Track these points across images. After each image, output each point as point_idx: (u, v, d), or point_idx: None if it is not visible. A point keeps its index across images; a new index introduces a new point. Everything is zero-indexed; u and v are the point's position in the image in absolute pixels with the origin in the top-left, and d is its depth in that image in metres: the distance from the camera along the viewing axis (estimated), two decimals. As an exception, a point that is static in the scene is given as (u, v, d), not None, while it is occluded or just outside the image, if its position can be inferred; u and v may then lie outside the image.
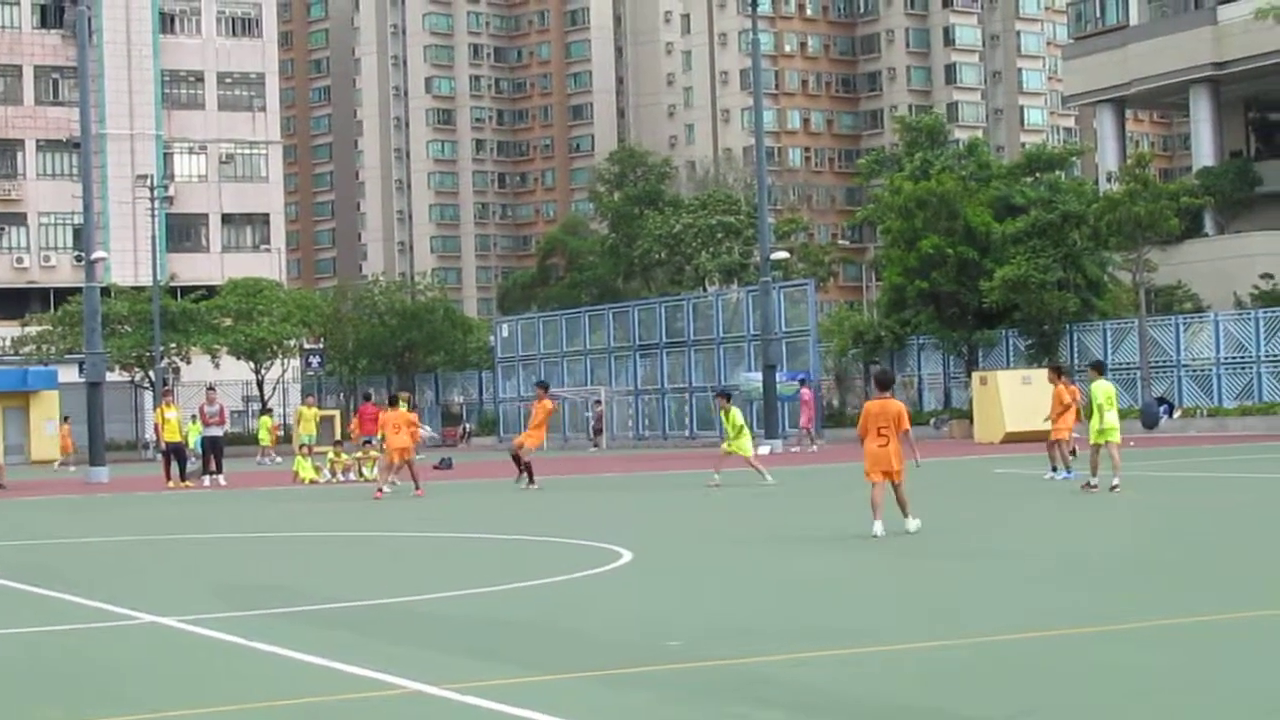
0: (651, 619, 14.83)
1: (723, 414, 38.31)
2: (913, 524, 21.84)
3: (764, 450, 56.64)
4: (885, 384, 23.10)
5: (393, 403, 39.10)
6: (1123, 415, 44.48)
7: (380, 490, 36.48)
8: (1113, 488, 28.98)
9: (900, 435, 21.79)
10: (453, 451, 71.69)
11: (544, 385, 42.56)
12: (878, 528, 21.35)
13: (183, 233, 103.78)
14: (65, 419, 73.16)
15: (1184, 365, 68.38)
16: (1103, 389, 30.30)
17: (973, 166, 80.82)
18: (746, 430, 38.20)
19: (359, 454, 47.67)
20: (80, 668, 12.93)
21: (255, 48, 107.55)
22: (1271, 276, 78.22)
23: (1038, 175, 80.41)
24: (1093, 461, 30.36)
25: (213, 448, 45.77)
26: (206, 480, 44.86)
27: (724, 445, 37.87)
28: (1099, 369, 32.35)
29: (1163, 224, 68.69)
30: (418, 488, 36.68)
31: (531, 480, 37.32)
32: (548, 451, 64.83)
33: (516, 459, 38.77)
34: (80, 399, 58.18)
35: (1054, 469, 34.21)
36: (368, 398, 54.81)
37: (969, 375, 69.54)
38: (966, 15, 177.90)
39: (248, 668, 12.56)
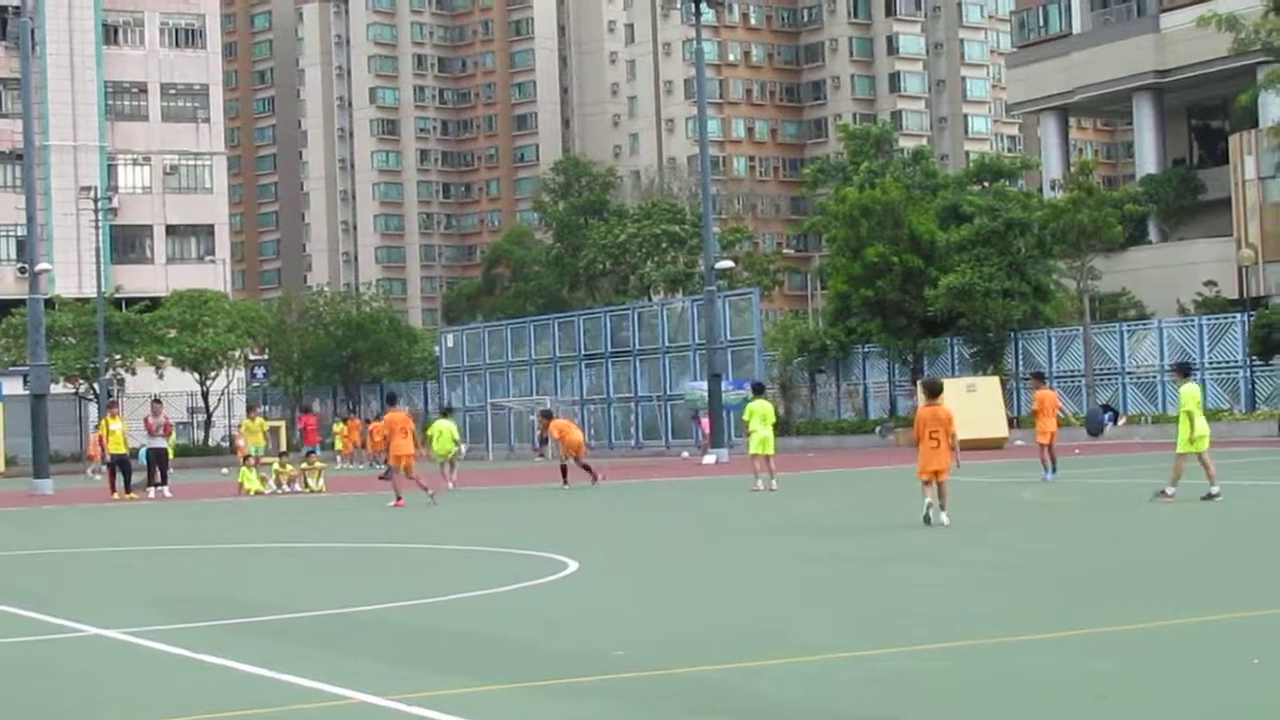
0: (597, 628, 14.84)
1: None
2: (945, 518, 23.32)
3: (709, 460, 56.79)
4: (934, 391, 24.46)
5: (391, 401, 37.34)
6: (1067, 423, 44.63)
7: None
8: (1211, 496, 27.12)
9: (949, 440, 23.37)
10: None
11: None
12: (932, 514, 23.36)
13: (127, 244, 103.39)
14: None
15: (1128, 372, 68.72)
16: (1191, 393, 27.44)
17: (919, 175, 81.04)
18: (754, 427, 35.93)
19: (304, 465, 47.61)
20: (22, 682, 12.83)
21: (199, 59, 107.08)
22: (1215, 284, 78.62)
23: (986, 184, 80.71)
24: (1177, 469, 27.57)
25: (157, 459, 45.50)
26: (151, 492, 44.59)
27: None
28: (1185, 372, 29.16)
29: (1107, 231, 69.06)
30: (401, 497, 35.33)
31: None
32: (493, 461, 64.77)
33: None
34: (24, 411, 57.87)
35: (1051, 470, 35.22)
36: (307, 409, 54.60)
37: (914, 383, 69.71)
38: (910, 24, 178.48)
39: (193, 680, 12.50)
